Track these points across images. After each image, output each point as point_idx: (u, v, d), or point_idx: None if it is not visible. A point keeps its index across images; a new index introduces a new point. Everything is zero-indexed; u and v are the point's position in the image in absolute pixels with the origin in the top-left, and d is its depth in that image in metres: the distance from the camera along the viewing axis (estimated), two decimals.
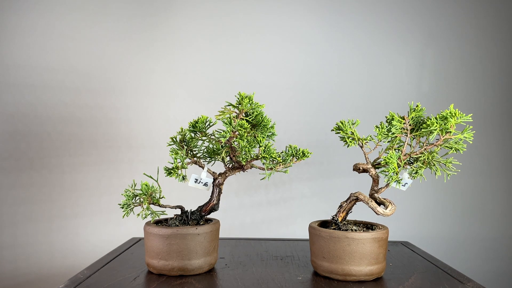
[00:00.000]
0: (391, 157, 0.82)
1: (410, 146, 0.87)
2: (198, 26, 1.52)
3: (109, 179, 1.49)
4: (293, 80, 1.55)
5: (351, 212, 0.90)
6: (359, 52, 1.57)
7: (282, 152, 0.87)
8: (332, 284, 0.81)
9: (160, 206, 0.87)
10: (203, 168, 0.90)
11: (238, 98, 0.84)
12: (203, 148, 0.90)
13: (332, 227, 0.88)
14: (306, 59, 1.56)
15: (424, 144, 0.85)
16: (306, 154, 0.86)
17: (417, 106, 0.87)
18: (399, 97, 1.56)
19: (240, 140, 0.81)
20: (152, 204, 0.86)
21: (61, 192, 1.47)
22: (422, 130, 0.84)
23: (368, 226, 0.90)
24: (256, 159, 0.86)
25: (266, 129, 0.86)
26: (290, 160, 0.87)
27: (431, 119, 0.83)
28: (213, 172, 0.91)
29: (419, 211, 1.57)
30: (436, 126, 0.82)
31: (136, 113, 1.50)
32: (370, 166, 0.87)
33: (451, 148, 0.84)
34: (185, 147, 0.88)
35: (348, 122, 0.88)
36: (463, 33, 1.58)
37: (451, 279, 0.85)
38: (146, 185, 0.85)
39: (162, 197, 0.87)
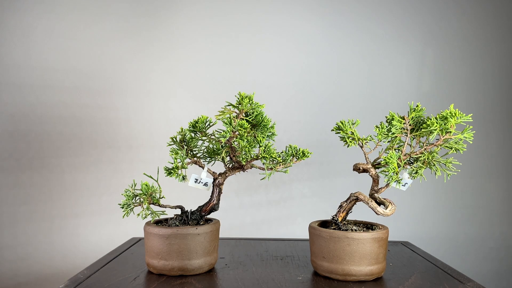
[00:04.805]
0: (391, 157, 0.82)
1: (410, 146, 0.87)
2: (198, 26, 1.52)
3: (109, 179, 1.49)
4: (293, 80, 1.55)
5: (351, 212, 0.90)
6: (359, 52, 1.57)
7: (282, 152, 0.87)
8: (332, 284, 0.81)
9: (160, 206, 0.87)
10: (203, 168, 0.90)
11: (238, 98, 0.84)
12: (203, 148, 0.90)
13: (332, 227, 0.88)
14: (306, 59, 1.56)
15: (424, 144, 0.85)
16: (306, 154, 0.86)
17: (417, 106, 0.87)
18: (399, 97, 1.56)
19: (240, 140, 0.81)
20: (152, 204, 0.86)
21: (61, 192, 1.47)
22: (422, 130, 0.84)
23: (368, 226, 0.90)
24: (256, 159, 0.86)
25: (266, 129, 0.86)
26: (290, 160, 0.87)
27: (431, 119, 0.83)
28: (213, 172, 0.91)
29: (419, 211, 1.57)
30: (436, 126, 0.82)
31: (136, 113, 1.50)
32: (370, 166, 0.87)
33: (451, 148, 0.84)
34: (185, 147, 0.88)
35: (348, 122, 0.88)
36: (463, 33, 1.58)
37: (451, 279, 0.85)
38: (146, 185, 0.85)
39: (162, 197, 0.87)
